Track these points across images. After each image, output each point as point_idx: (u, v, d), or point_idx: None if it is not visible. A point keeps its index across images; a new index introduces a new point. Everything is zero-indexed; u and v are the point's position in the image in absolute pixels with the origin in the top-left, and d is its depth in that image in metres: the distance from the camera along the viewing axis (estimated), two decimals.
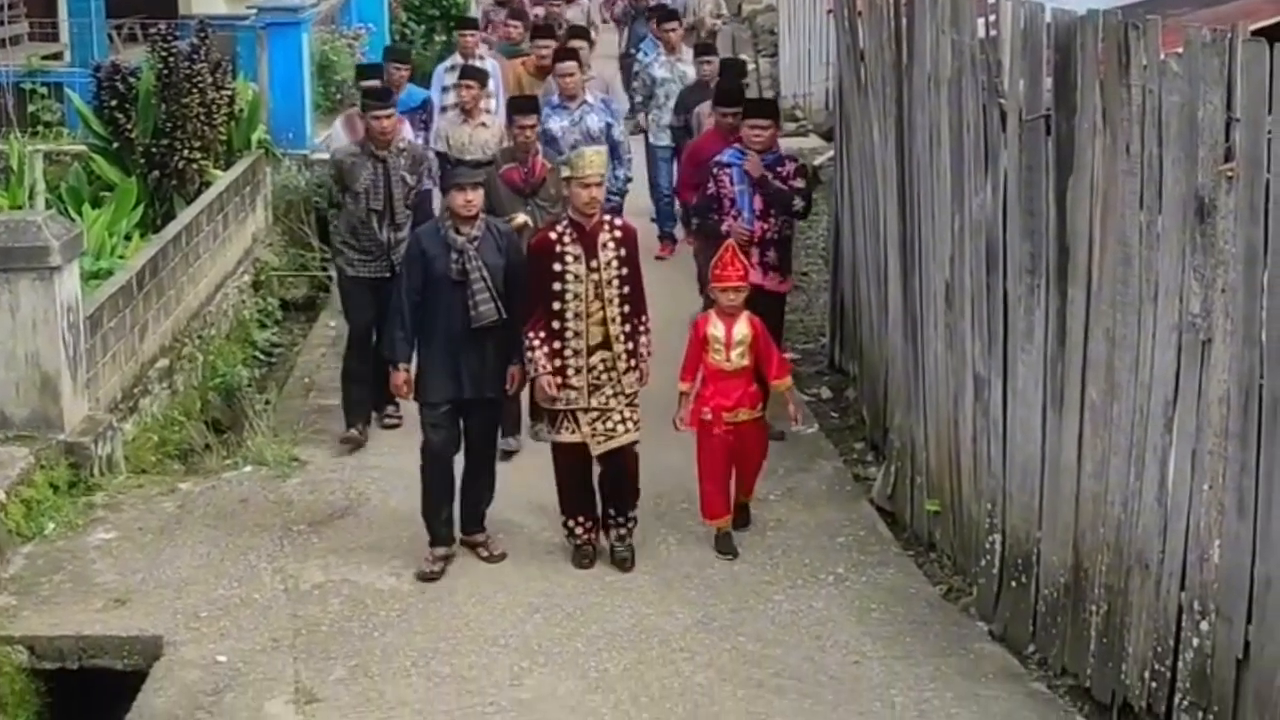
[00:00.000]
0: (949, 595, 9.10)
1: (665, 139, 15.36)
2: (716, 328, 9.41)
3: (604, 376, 9.04)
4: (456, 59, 14.84)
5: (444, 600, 8.92)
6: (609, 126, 12.94)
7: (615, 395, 9.07)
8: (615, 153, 12.59)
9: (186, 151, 14.46)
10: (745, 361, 9.39)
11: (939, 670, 8.20)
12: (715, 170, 10.86)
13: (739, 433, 9.47)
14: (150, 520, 10.03)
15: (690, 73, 15.22)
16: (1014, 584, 8.53)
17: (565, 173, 9.07)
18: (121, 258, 12.69)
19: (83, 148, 15.07)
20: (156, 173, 14.48)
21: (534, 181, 10.89)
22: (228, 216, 14.54)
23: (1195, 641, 7.07)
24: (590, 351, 8.99)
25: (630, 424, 9.14)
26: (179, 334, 12.76)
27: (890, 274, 10.40)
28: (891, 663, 8.25)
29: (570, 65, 13.14)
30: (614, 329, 8.99)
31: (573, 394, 9.02)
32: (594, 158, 9.00)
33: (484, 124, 12.82)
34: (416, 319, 9.11)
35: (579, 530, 9.38)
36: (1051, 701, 7.96)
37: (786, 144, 14.18)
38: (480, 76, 13.13)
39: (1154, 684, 7.36)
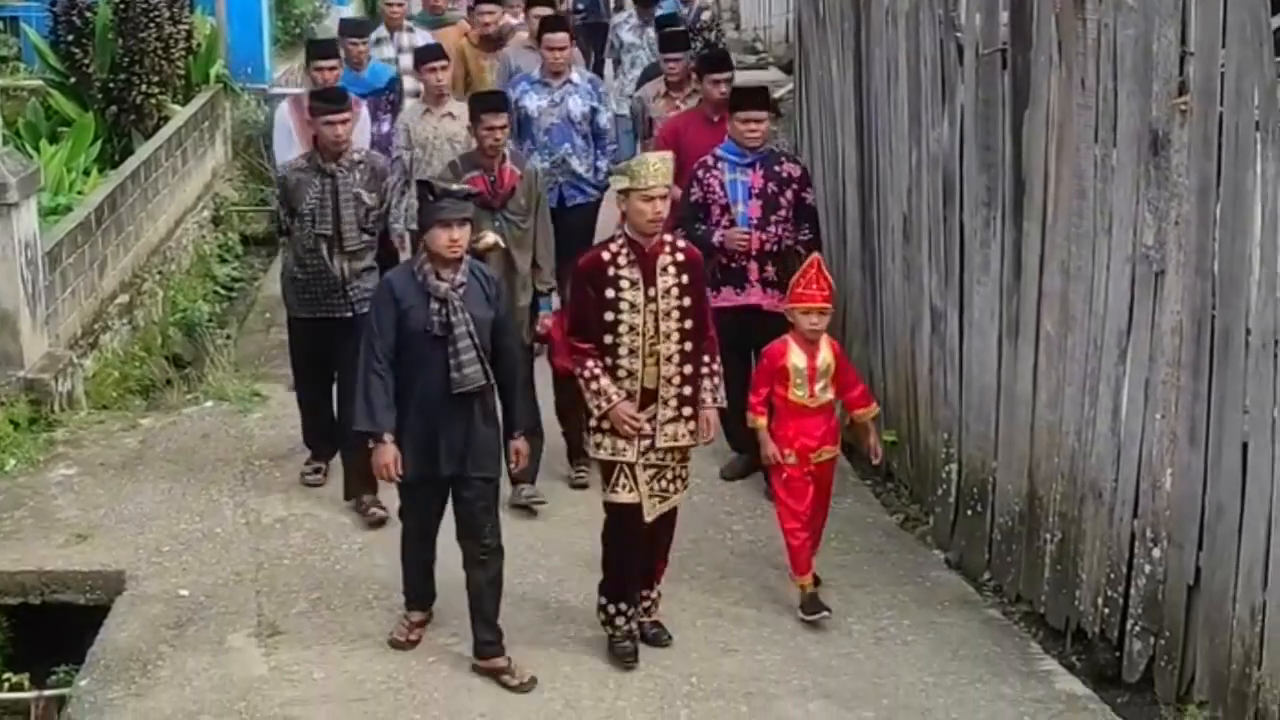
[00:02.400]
0: (906, 524, 9.21)
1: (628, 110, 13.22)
2: (798, 357, 8.01)
3: (651, 425, 7.51)
4: (381, 31, 12.99)
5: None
6: (594, 111, 11.18)
7: (669, 453, 7.57)
8: (599, 141, 11.18)
9: (144, 86, 14.38)
10: (830, 395, 8.08)
11: (895, 598, 8.30)
12: (700, 173, 9.23)
13: (818, 474, 8.20)
14: (112, 456, 10.05)
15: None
16: (970, 513, 8.63)
17: (622, 183, 7.45)
18: (80, 193, 12.64)
19: (39, 83, 14.96)
20: (114, 108, 14.39)
21: (502, 193, 9.10)
22: (186, 152, 14.48)
23: (1147, 568, 7.19)
24: (645, 395, 7.48)
25: (682, 483, 7.71)
26: (139, 269, 12.73)
27: (848, 208, 10.44)
28: (849, 591, 8.35)
29: (561, 37, 11.20)
30: (667, 369, 7.44)
31: (620, 443, 7.49)
32: (659, 165, 7.41)
33: (451, 114, 10.90)
34: (393, 379, 7.44)
35: (620, 620, 7.69)
36: (1006, 628, 8.08)
37: (745, 77, 14.22)
38: (441, 54, 11.32)
39: (1107, 610, 7.48)
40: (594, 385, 7.42)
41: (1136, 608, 7.28)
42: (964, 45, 8.51)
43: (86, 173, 13.30)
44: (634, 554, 7.67)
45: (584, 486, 9.32)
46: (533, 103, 11.01)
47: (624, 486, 7.52)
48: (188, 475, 9.78)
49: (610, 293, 7.39)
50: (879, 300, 9.88)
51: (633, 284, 7.40)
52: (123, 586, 8.44)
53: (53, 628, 8.35)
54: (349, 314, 8.87)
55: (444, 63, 11.10)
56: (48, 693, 7.92)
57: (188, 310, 12.73)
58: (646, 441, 7.46)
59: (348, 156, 9.00)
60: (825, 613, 7.96)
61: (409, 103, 11.65)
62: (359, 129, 10.40)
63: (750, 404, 8.12)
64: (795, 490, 8.08)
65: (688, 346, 7.47)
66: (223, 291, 13.91)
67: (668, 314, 7.42)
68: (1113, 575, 7.43)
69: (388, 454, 7.39)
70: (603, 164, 11.19)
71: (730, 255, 9.13)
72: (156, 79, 14.50)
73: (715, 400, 7.62)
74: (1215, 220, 6.77)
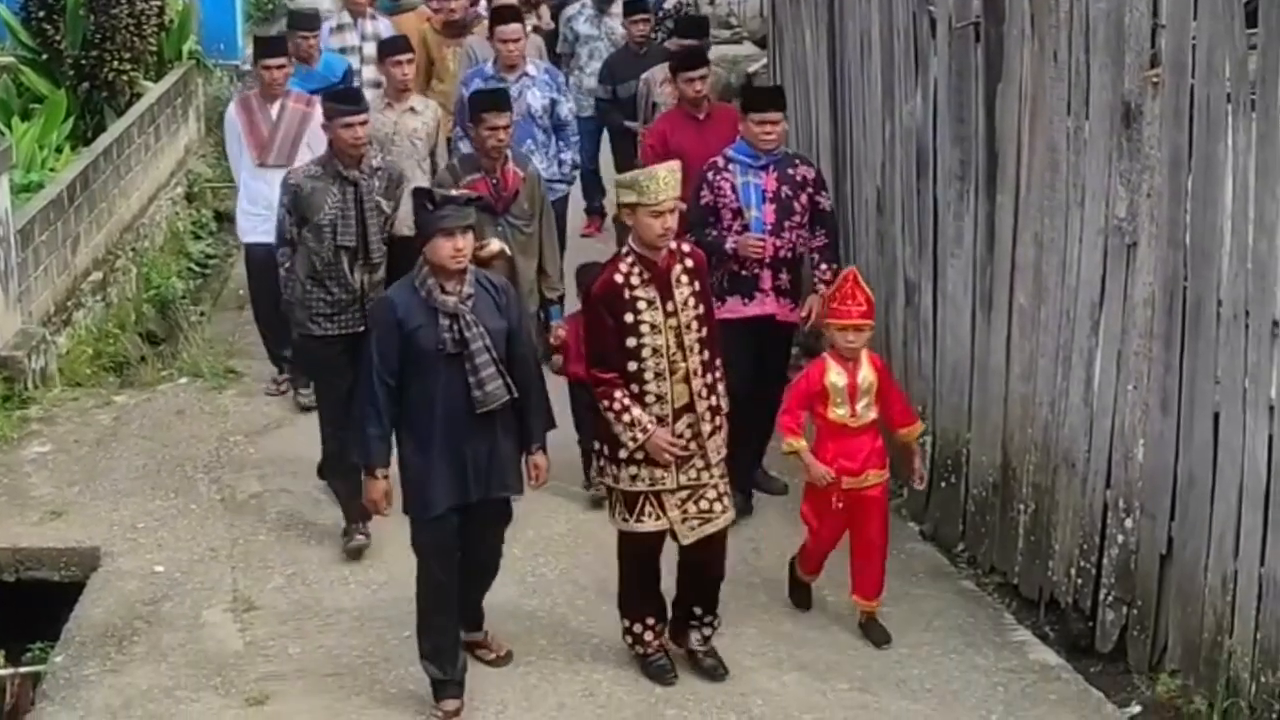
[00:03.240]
0: None
1: (588, 108, 12.74)
2: (837, 375, 7.43)
3: (692, 445, 7.03)
4: (344, 17, 12.23)
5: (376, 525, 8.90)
6: (553, 104, 10.63)
7: (706, 467, 7.07)
8: (561, 134, 10.68)
9: (116, 63, 14.32)
10: (873, 414, 7.51)
11: None
12: (711, 175, 8.59)
13: (861, 501, 7.57)
14: (86, 433, 10.04)
15: (620, 31, 13.03)
16: (944, 484, 8.66)
17: (628, 197, 6.90)
18: (52, 170, 12.59)
19: (11, 60, 14.88)
20: (86, 84, 14.33)
21: (506, 196, 8.68)
22: (159, 128, 14.43)
23: (1120, 538, 7.22)
24: (676, 416, 7.00)
25: (725, 500, 7.19)
26: (112, 246, 12.69)
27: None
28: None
29: (515, 29, 10.61)
30: (696, 383, 6.99)
31: (658, 472, 7.01)
32: (668, 178, 6.88)
33: (413, 108, 10.34)
34: (395, 409, 6.89)
35: (649, 636, 7.35)
36: (980, 599, 8.12)
37: (719, 53, 14.20)
38: (408, 47, 10.58)
39: (1079, 580, 7.52)
40: (626, 417, 6.90)
41: (1109, 578, 7.32)
42: (937, 19, 8.52)
43: (59, 150, 13.25)
44: (654, 577, 7.30)
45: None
46: None
47: (650, 515, 7.05)
48: (162, 452, 9.78)
49: (629, 317, 6.90)
50: None
51: (650, 304, 6.91)
52: (98, 563, 8.45)
53: (27, 605, 8.34)
54: (363, 328, 8.11)
55: (409, 55, 10.45)
56: (23, 670, 7.93)
57: (161, 287, 12.70)
58: (696, 463, 7.03)
59: (368, 162, 8.43)
60: (886, 643, 7.62)
61: (369, 94, 10.36)
62: (313, 130, 9.90)
63: (783, 425, 7.54)
64: (833, 523, 7.61)
65: (709, 354, 7.05)
66: (196, 268, 13.85)
67: (689, 326, 6.95)
68: (1085, 545, 7.47)
69: (378, 489, 6.94)
70: (567, 156, 10.75)
71: (742, 263, 8.51)
72: (128, 55, 14.44)
73: (729, 406, 7.26)
74: (1187, 192, 6.80)
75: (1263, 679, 6.45)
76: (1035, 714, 7.11)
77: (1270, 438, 6.45)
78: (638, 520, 7.06)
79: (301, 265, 8.39)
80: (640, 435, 6.90)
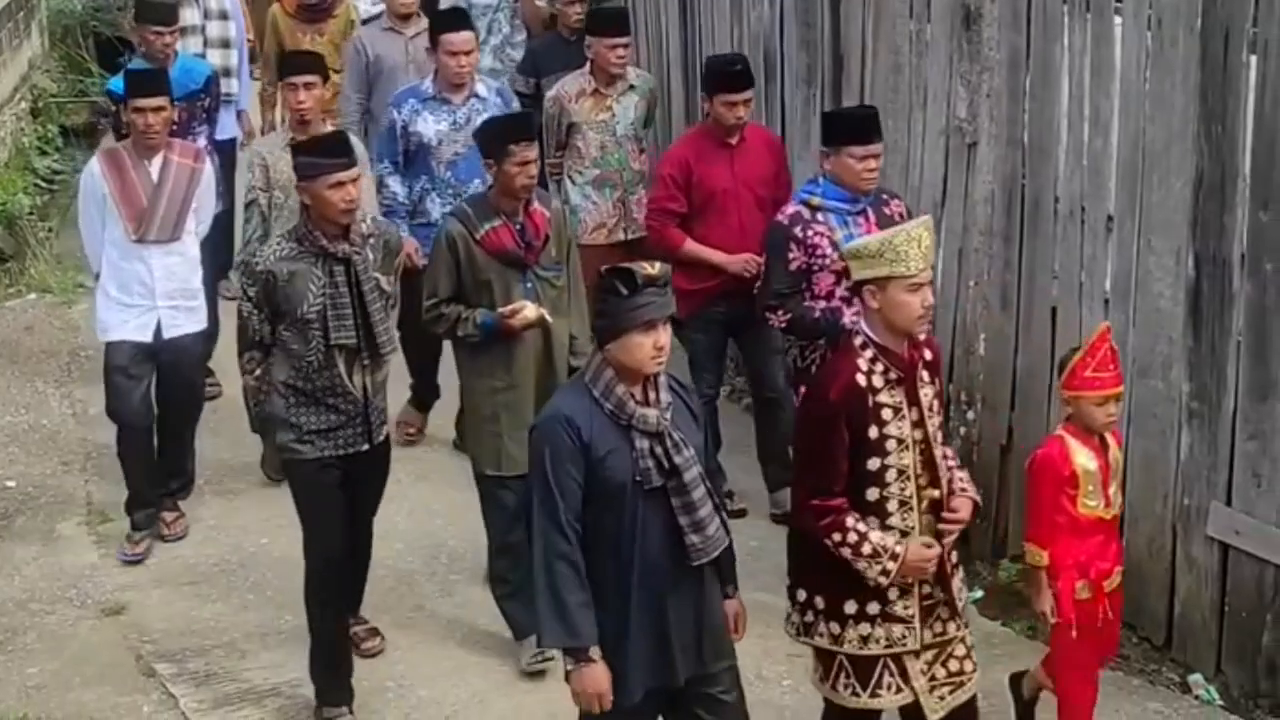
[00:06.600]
0: (732, 396, 9.30)
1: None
2: (1087, 458, 5.76)
3: (937, 590, 5.38)
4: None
5: (239, 414, 8.74)
6: None
7: (953, 616, 5.41)
8: None
9: None
10: (1121, 499, 6.02)
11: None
12: (799, 231, 6.76)
13: (1110, 601, 5.93)
14: None
15: (541, 3, 10.46)
16: None
17: (874, 269, 5.20)
18: None
19: None
20: None
21: (538, 245, 6.74)
22: (1, 43, 14.13)
23: (962, 430, 7.42)
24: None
25: (974, 655, 5.52)
26: None
27: (673, 89, 10.50)
28: None
29: (466, 38, 8.25)
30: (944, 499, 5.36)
31: (897, 629, 5.30)
32: (928, 239, 5.26)
33: None
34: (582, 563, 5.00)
35: None
36: None
37: None
38: (318, 67, 8.11)
39: None
40: (866, 548, 5.18)
41: None
42: None
43: None
44: None
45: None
46: (429, 127, 8.18)
47: (889, 686, 5.34)
48: (12, 368, 9.70)
49: (873, 431, 5.20)
50: None
51: (896, 412, 5.23)
52: None
53: None
54: (366, 446, 6.46)
55: (313, 78, 7.96)
56: None
57: (7, 203, 12.46)
58: (942, 612, 5.37)
59: (357, 230, 6.37)
60: None
61: (269, 139, 8.62)
62: (205, 192, 7.87)
63: (1031, 535, 5.84)
64: (1088, 643, 5.85)
65: (950, 469, 5.44)
66: (44, 184, 13.61)
67: (935, 439, 5.34)
68: None
69: (599, 678, 4.97)
70: None
71: None
72: None
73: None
74: (1025, 92, 6.98)
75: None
76: None
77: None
78: (873, 695, 5.34)
79: (281, 372, 6.36)
80: (891, 565, 5.21)
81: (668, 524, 5.01)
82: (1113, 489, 5.81)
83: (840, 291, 6.68)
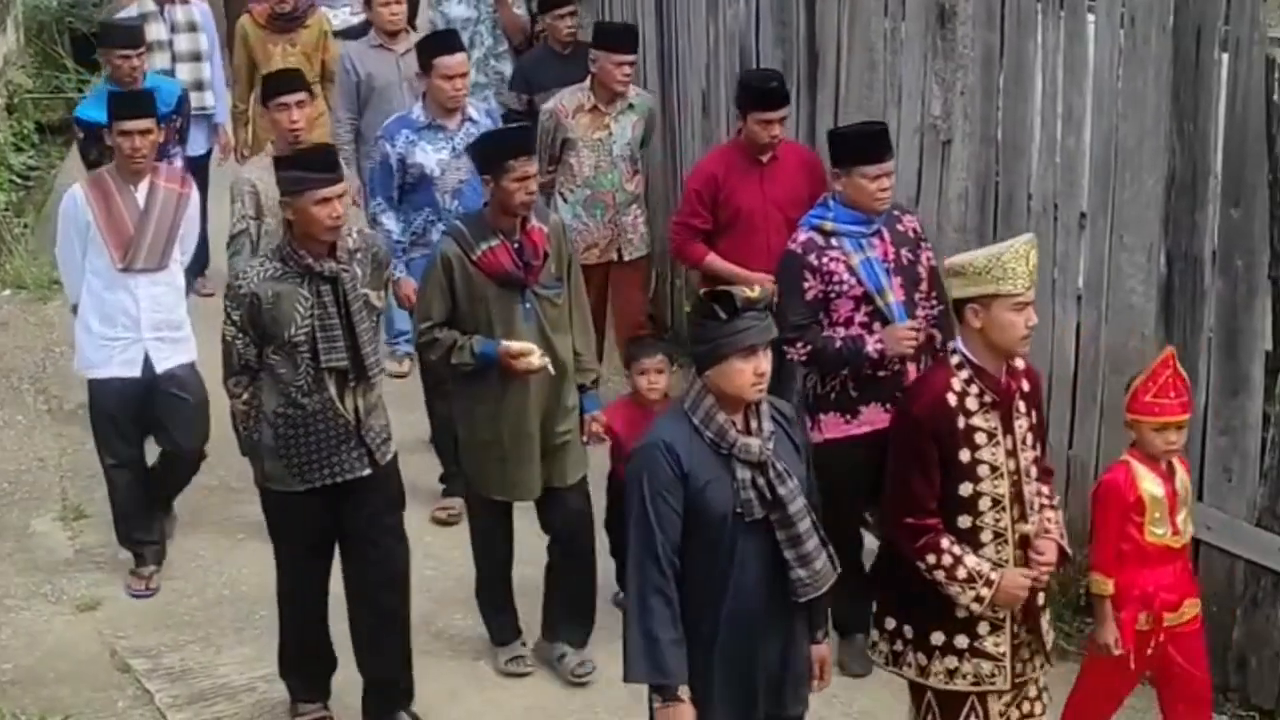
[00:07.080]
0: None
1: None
2: (1153, 484, 5.55)
3: (1022, 630, 5.25)
4: (147, 4, 9.87)
5: (218, 418, 8.75)
6: None
7: (1035, 655, 5.29)
8: None
9: None
10: (1192, 527, 5.79)
11: None
12: (813, 258, 6.37)
13: (1178, 641, 5.68)
14: None
15: (519, 12, 10.34)
16: None
17: (980, 286, 5.03)
18: None
19: None
20: None
21: (537, 264, 6.47)
22: None
23: None
24: None
25: (1043, 699, 5.40)
26: None
27: (648, 84, 10.50)
28: None
29: (460, 61, 7.93)
30: (1039, 545, 5.20)
31: (986, 666, 5.17)
32: (1034, 255, 5.10)
33: None
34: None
35: None
36: None
37: None
38: (302, 85, 7.82)
39: None
40: (960, 572, 5.04)
41: None
42: None
43: None
44: None
45: None
46: (429, 157, 7.88)
47: None
48: None
49: (964, 454, 5.06)
50: (679, 173, 9.98)
51: (990, 437, 5.09)
52: None
53: None
54: (366, 470, 6.15)
55: (303, 96, 7.70)
56: None
57: None
58: (1024, 653, 5.23)
59: (344, 246, 6.08)
60: None
61: (258, 163, 8.02)
62: (190, 219, 7.51)
63: (1096, 561, 5.61)
64: (1124, 677, 5.69)
65: (1042, 499, 5.29)
66: (19, 180, 13.58)
67: (1028, 472, 5.17)
68: None
69: (686, 718, 4.83)
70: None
71: (883, 362, 6.39)
72: None
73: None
74: (999, 89, 7.03)
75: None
76: None
77: (1078, 325, 6.72)
78: None
79: (270, 399, 6.07)
80: (986, 591, 5.05)
81: (767, 558, 4.84)
82: (1181, 517, 5.58)
83: (859, 317, 6.36)
